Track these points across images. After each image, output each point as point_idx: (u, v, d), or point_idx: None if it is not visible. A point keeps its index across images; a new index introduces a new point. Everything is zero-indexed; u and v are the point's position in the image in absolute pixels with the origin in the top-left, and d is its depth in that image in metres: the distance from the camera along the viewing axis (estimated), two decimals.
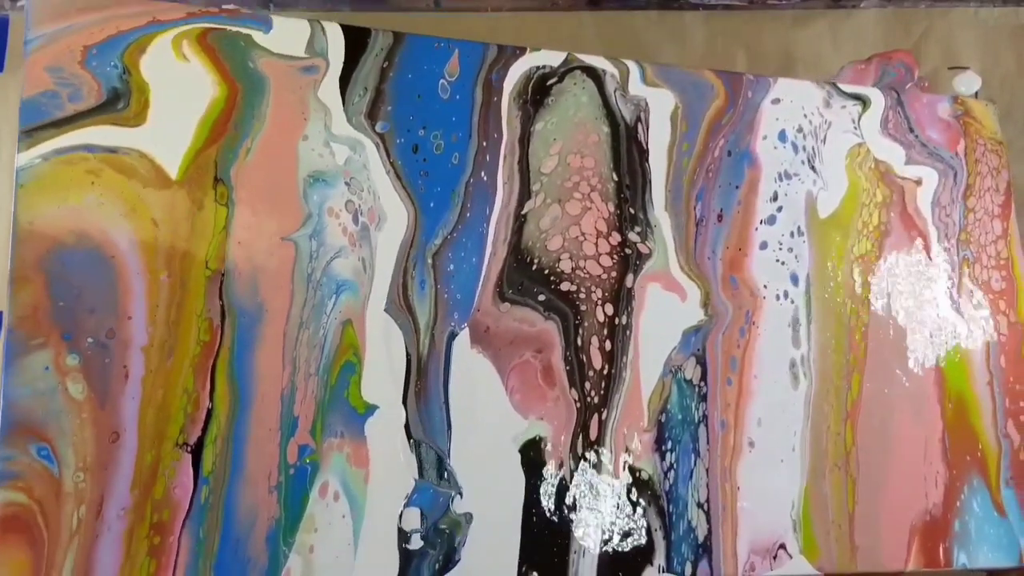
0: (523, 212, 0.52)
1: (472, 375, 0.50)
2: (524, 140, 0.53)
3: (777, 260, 0.56)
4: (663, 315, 0.53)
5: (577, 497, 0.49)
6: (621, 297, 0.53)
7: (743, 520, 0.52)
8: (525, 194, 0.53)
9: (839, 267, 0.57)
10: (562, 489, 0.49)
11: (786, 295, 0.56)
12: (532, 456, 0.50)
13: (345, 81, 0.51)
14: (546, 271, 0.52)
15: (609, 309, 0.52)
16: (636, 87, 0.57)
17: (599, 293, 0.52)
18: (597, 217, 0.53)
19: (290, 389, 0.47)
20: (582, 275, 0.52)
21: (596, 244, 0.53)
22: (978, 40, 0.68)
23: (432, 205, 0.51)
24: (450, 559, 0.47)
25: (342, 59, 0.52)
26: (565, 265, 0.52)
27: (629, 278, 0.53)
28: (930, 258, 0.60)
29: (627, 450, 0.51)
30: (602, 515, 0.50)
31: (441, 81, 0.53)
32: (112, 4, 0.49)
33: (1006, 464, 0.58)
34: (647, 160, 0.55)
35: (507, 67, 0.54)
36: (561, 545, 0.49)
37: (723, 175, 0.57)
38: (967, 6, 0.69)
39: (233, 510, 0.45)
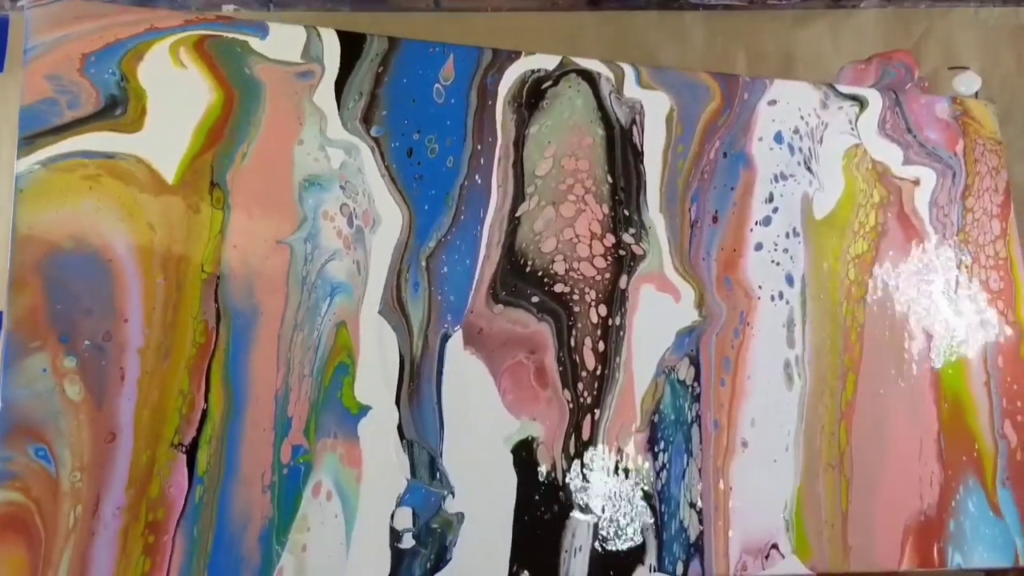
0: (517, 215, 0.52)
1: (465, 376, 0.49)
2: (518, 143, 0.53)
3: (772, 261, 0.56)
4: (657, 316, 0.53)
5: (569, 497, 0.49)
6: (615, 298, 0.52)
7: (735, 520, 0.51)
8: (519, 197, 0.52)
9: (835, 268, 0.57)
10: (554, 489, 0.49)
11: (781, 296, 0.55)
12: (524, 456, 0.49)
13: (340, 86, 0.51)
14: (540, 273, 0.51)
15: (603, 310, 0.52)
16: (631, 90, 0.56)
17: (593, 294, 0.52)
18: (591, 219, 0.53)
19: (284, 390, 0.47)
20: (576, 276, 0.52)
21: (590, 246, 0.53)
22: (978, 40, 0.67)
23: (426, 208, 0.51)
24: (441, 558, 0.47)
25: (338, 64, 0.52)
26: (559, 267, 0.52)
27: (623, 279, 0.53)
28: (927, 259, 0.59)
29: (619, 450, 0.50)
30: (593, 515, 0.49)
31: (436, 85, 0.53)
32: (110, 12, 0.49)
33: (1003, 464, 0.57)
34: (642, 162, 0.55)
35: (502, 71, 0.54)
36: (552, 545, 0.49)
37: (718, 176, 0.56)
38: (967, 6, 0.68)
39: (227, 509, 0.45)
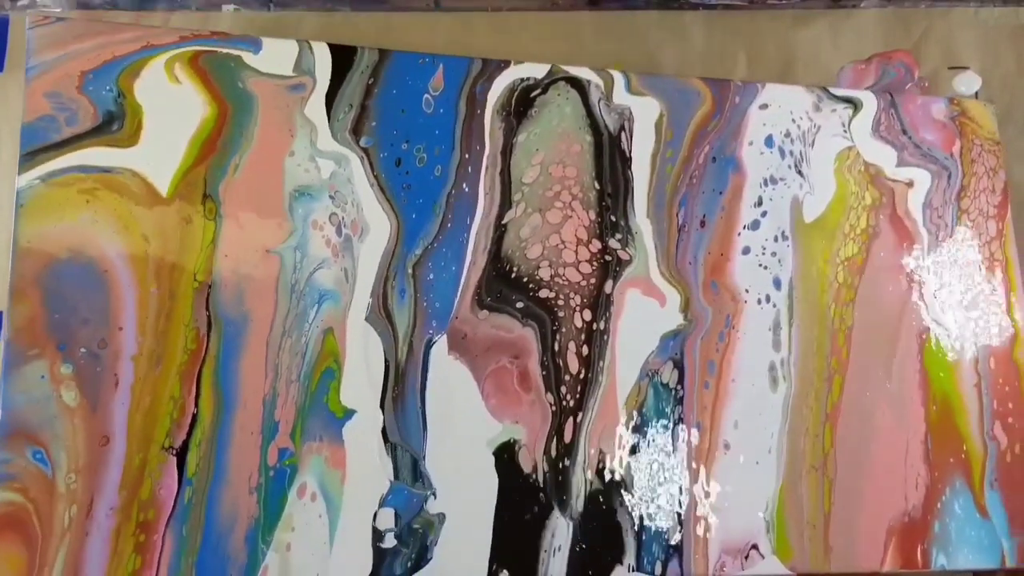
0: (503, 222, 0.52)
1: (449, 381, 0.50)
2: (506, 151, 0.53)
3: (760, 264, 0.55)
4: (641, 320, 0.53)
5: (549, 498, 0.49)
6: (600, 303, 0.52)
7: (715, 520, 0.51)
8: (506, 204, 0.52)
9: (824, 271, 0.56)
10: (534, 490, 0.49)
11: (768, 299, 0.55)
12: (506, 458, 0.50)
13: (331, 98, 0.52)
14: (525, 279, 0.52)
15: (587, 315, 0.52)
16: (621, 96, 0.56)
17: (578, 299, 0.52)
18: (578, 225, 0.53)
19: (272, 395, 0.47)
20: (561, 282, 0.52)
21: (576, 251, 0.53)
22: (978, 40, 0.66)
23: (414, 216, 0.51)
24: (422, 557, 0.48)
25: (329, 77, 0.52)
26: (544, 273, 0.52)
27: (608, 284, 0.53)
28: (920, 260, 0.58)
29: (601, 452, 0.50)
30: (573, 515, 0.49)
31: (425, 96, 0.53)
32: (108, 31, 0.50)
33: (991, 466, 0.56)
34: (630, 168, 0.55)
35: (491, 80, 0.54)
36: (532, 545, 0.49)
37: (707, 181, 0.56)
38: (967, 6, 0.66)
39: (215, 510, 0.46)
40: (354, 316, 0.50)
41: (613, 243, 0.54)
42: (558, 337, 0.52)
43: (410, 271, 0.50)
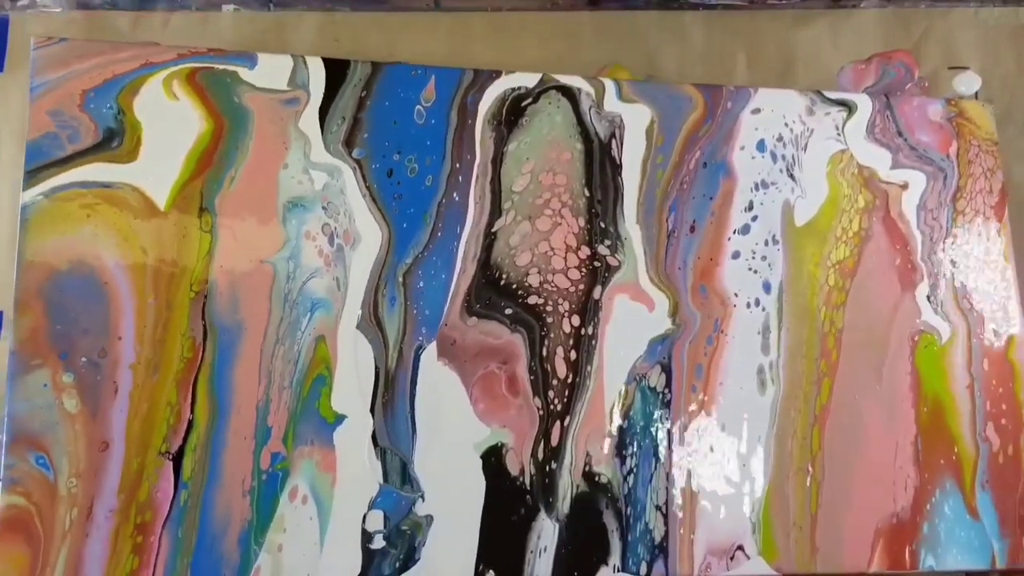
0: (493, 230, 0.52)
1: (438, 386, 0.50)
2: (497, 160, 0.53)
3: (749, 269, 0.54)
4: (630, 325, 0.53)
5: (535, 500, 0.49)
6: (588, 308, 0.52)
7: (701, 522, 0.51)
8: (496, 212, 0.52)
9: (814, 274, 0.55)
10: (521, 492, 0.49)
11: (757, 303, 0.54)
12: (493, 462, 0.50)
13: (325, 111, 0.52)
14: (514, 285, 0.51)
15: (576, 320, 0.52)
16: (612, 104, 0.55)
17: (566, 305, 0.52)
18: (567, 232, 0.53)
19: (265, 401, 0.48)
20: (550, 288, 0.52)
21: (565, 258, 0.52)
22: (978, 40, 0.64)
23: (405, 226, 0.51)
24: (410, 558, 0.48)
25: (322, 90, 0.52)
26: (533, 279, 0.52)
27: (597, 290, 0.52)
28: (912, 262, 0.56)
29: (587, 455, 0.50)
30: (559, 517, 0.49)
31: (417, 107, 0.53)
32: (109, 50, 0.50)
33: (983, 467, 0.55)
34: (620, 175, 0.54)
35: (483, 90, 0.54)
36: (518, 545, 0.49)
37: (697, 186, 0.55)
38: (967, 6, 0.64)
39: (209, 512, 0.46)
40: (345, 324, 0.50)
41: (602, 249, 0.53)
42: (546, 342, 0.52)
43: (400, 279, 0.51)
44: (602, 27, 0.64)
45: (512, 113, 0.54)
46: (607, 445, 0.51)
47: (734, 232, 0.55)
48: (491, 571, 0.49)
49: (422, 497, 0.49)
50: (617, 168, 0.55)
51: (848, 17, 0.66)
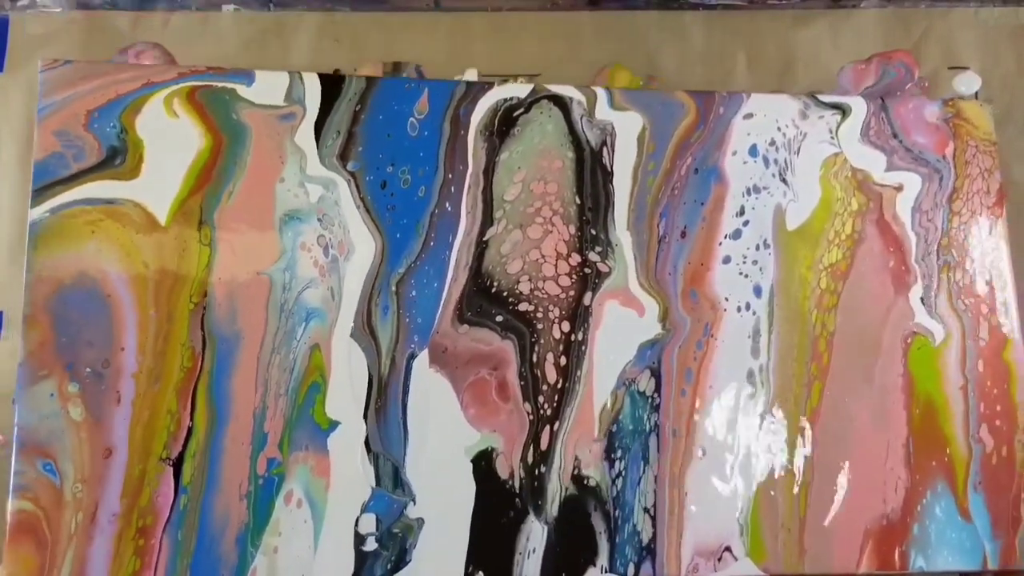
0: (485, 238, 0.51)
1: (429, 393, 0.50)
2: (488, 170, 0.52)
3: (740, 273, 0.53)
4: (620, 330, 0.52)
5: (524, 503, 0.48)
6: (578, 314, 0.51)
7: (689, 523, 0.50)
8: (488, 221, 0.51)
9: (806, 277, 0.53)
10: (510, 496, 0.49)
11: (748, 307, 0.52)
12: (483, 466, 0.49)
13: (320, 125, 0.52)
14: (505, 293, 0.51)
15: (566, 326, 0.51)
16: (603, 112, 0.54)
17: (556, 311, 0.51)
18: (558, 240, 0.52)
19: (261, 408, 0.48)
20: (540, 295, 0.51)
21: (555, 265, 0.51)
22: (978, 40, 0.61)
23: (398, 236, 0.51)
24: (402, 560, 0.48)
25: (318, 105, 0.51)
26: (524, 287, 0.51)
27: (587, 296, 0.51)
28: (905, 264, 0.54)
29: (576, 459, 0.50)
30: (548, 519, 0.48)
31: (411, 119, 0.52)
32: (112, 71, 0.50)
33: (976, 469, 0.53)
34: (611, 182, 0.53)
35: (475, 102, 0.53)
36: (507, 547, 0.48)
37: (688, 192, 0.53)
38: (967, 6, 0.61)
39: (208, 516, 0.47)
40: (339, 333, 0.49)
41: (593, 256, 0.52)
42: (536, 348, 0.51)
43: (393, 288, 0.50)
44: (602, 27, 0.62)
45: (504, 123, 0.53)
46: (596, 449, 0.50)
47: (725, 237, 0.54)
48: (480, 572, 0.48)
49: (413, 500, 0.48)
50: (608, 175, 0.53)
51: (848, 17, 0.64)
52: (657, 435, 0.51)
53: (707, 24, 0.64)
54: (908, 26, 0.63)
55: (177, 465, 0.47)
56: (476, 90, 0.54)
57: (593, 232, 0.53)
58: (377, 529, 0.48)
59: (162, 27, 0.57)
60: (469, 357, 0.51)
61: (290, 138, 0.51)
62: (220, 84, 0.52)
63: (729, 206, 0.55)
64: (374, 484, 0.49)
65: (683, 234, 0.54)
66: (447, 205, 0.52)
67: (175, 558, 0.47)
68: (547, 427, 0.51)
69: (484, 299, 0.51)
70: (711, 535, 0.51)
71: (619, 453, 0.51)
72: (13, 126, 0.55)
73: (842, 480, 0.53)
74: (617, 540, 0.50)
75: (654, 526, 0.51)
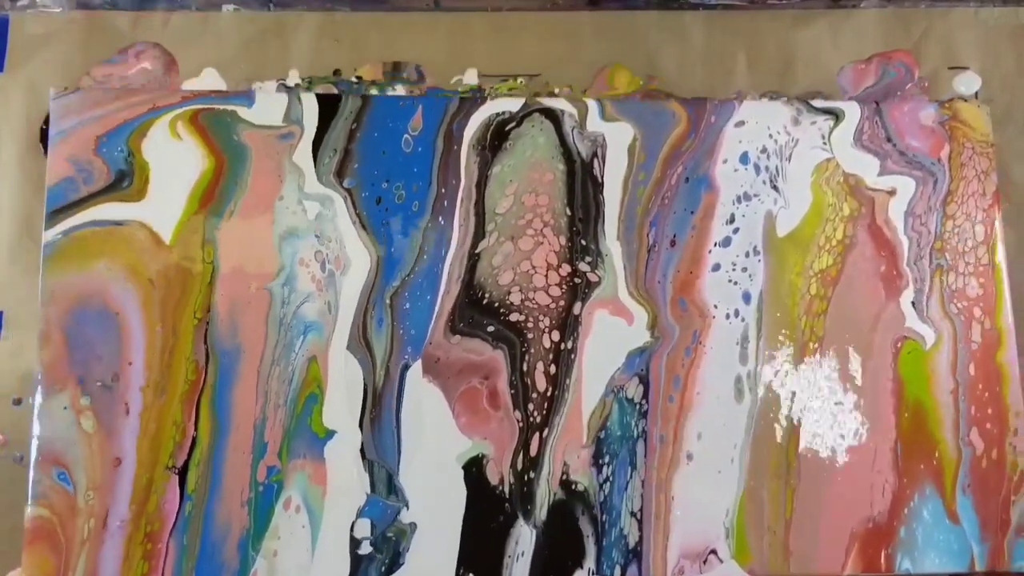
0: (477, 251, 0.49)
1: (422, 402, 0.49)
2: (481, 184, 0.50)
3: (730, 280, 0.51)
4: (609, 338, 0.50)
5: (514, 507, 0.47)
6: (568, 324, 0.49)
7: (675, 527, 0.48)
8: (480, 234, 0.50)
9: (796, 283, 0.51)
10: (500, 501, 0.48)
11: (737, 314, 0.50)
12: (474, 472, 0.48)
13: (317, 144, 0.50)
14: (496, 304, 0.49)
15: (555, 336, 0.49)
16: (595, 124, 0.51)
17: (547, 321, 0.49)
18: (548, 251, 0.50)
19: (262, 418, 0.47)
20: (531, 306, 0.49)
21: (546, 276, 0.50)
22: (978, 40, 0.57)
23: (392, 250, 0.49)
24: (395, 562, 0.47)
25: (316, 124, 0.50)
26: (515, 297, 0.49)
27: (577, 306, 0.50)
28: (897, 269, 0.51)
29: (565, 465, 0.48)
30: (537, 523, 0.47)
31: (405, 136, 0.50)
32: (120, 97, 0.50)
33: (965, 471, 0.50)
34: (601, 193, 0.51)
35: (468, 116, 0.51)
36: (497, 550, 0.47)
37: (678, 201, 0.51)
38: (967, 6, 0.57)
39: (211, 521, 0.46)
40: (336, 345, 0.49)
41: (583, 266, 0.50)
42: (527, 358, 0.49)
43: (388, 301, 0.49)
44: (602, 27, 0.60)
45: (496, 137, 0.51)
46: (584, 455, 0.48)
47: (715, 245, 0.51)
48: (471, 575, 0.47)
49: (406, 506, 0.47)
50: (599, 186, 0.51)
51: (848, 17, 0.60)
52: (644, 441, 0.50)
53: (707, 24, 0.61)
54: (908, 26, 0.59)
55: (182, 473, 0.47)
56: (469, 105, 0.52)
57: (583, 243, 0.51)
58: (372, 533, 0.47)
59: (162, 27, 0.56)
60: (461, 367, 0.49)
61: (289, 157, 0.50)
62: (221, 107, 0.50)
63: (719, 214, 0.52)
64: (369, 490, 0.48)
65: (673, 243, 0.52)
66: (440, 219, 0.50)
67: (181, 561, 0.46)
68: (536, 434, 0.49)
69: (476, 310, 0.50)
70: (697, 538, 0.49)
71: (607, 459, 0.49)
72: (13, 126, 0.54)
73: (829, 484, 0.50)
74: (604, 543, 0.49)
75: (640, 529, 0.49)
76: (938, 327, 0.53)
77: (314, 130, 0.51)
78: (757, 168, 0.53)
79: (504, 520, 0.49)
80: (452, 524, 0.49)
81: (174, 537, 0.47)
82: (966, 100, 0.58)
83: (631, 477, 0.50)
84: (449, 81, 0.56)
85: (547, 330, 0.51)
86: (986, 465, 0.52)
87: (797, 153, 0.54)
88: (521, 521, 0.49)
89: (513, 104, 0.53)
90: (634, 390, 0.51)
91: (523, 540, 0.49)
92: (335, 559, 0.48)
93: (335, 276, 0.50)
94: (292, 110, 0.51)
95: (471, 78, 0.56)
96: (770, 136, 0.54)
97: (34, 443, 0.47)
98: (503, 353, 0.50)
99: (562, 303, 0.51)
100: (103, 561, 0.46)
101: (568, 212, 0.52)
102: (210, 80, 0.53)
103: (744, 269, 0.52)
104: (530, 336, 0.50)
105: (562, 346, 0.51)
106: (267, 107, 0.51)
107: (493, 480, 0.49)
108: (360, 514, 0.48)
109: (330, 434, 0.48)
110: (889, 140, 0.55)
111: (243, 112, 0.51)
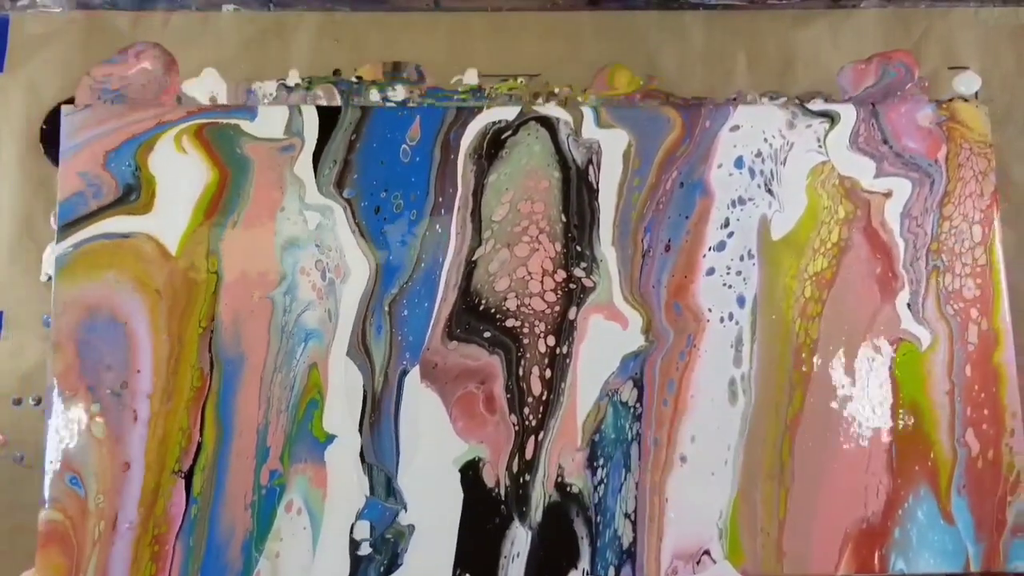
0: (473, 258, 0.48)
1: (420, 407, 0.48)
2: (477, 192, 0.49)
3: (724, 284, 0.49)
4: (604, 343, 0.49)
5: (509, 509, 0.46)
6: (563, 329, 0.48)
7: (669, 528, 0.47)
8: (476, 242, 0.48)
9: (790, 286, 0.49)
10: (496, 503, 0.46)
11: (731, 317, 0.48)
12: (471, 475, 0.47)
13: (317, 155, 0.49)
14: (492, 310, 0.48)
15: (551, 340, 0.48)
16: (590, 130, 0.50)
17: (542, 326, 0.48)
18: (544, 257, 0.48)
19: (264, 424, 0.46)
20: (526, 311, 0.48)
21: (541, 282, 0.48)
22: (978, 40, 0.55)
23: (391, 259, 0.48)
24: (394, 563, 0.47)
25: (316, 136, 0.49)
26: (511, 303, 0.48)
27: (572, 311, 0.48)
28: (893, 271, 0.49)
29: (560, 467, 0.47)
30: (532, 525, 0.46)
31: (403, 146, 0.49)
32: (127, 112, 0.49)
33: (960, 472, 0.48)
34: (596, 199, 0.49)
35: (465, 126, 0.49)
36: (493, 552, 0.46)
37: (673, 206, 0.49)
38: (967, 6, 0.55)
39: (216, 524, 0.46)
40: (336, 352, 0.48)
41: (578, 272, 0.49)
42: (522, 362, 0.48)
43: (386, 308, 0.48)
44: (602, 27, 0.58)
45: (492, 146, 0.50)
46: (579, 458, 0.47)
47: (709, 249, 0.49)
48: (467, 575, 0.45)
49: (405, 508, 0.47)
50: (594, 193, 0.49)
51: (848, 17, 0.58)
52: (639, 444, 0.48)
53: (707, 24, 0.59)
54: (908, 26, 0.57)
55: (188, 477, 0.47)
56: (466, 115, 0.50)
57: (578, 248, 0.49)
58: (371, 535, 0.47)
59: (162, 27, 0.54)
60: (458, 372, 0.48)
61: (290, 169, 0.49)
62: (225, 121, 0.49)
63: (714, 218, 0.50)
64: (368, 493, 0.47)
65: (667, 248, 0.50)
66: (437, 227, 0.49)
67: (187, 563, 0.46)
68: (532, 437, 0.48)
69: (472, 316, 0.48)
70: (690, 539, 0.48)
71: (601, 461, 0.48)
72: (13, 126, 0.53)
73: (823, 484, 0.49)
74: (598, 544, 0.47)
75: (634, 531, 0.47)
76: (934, 328, 0.51)
77: (314, 142, 0.50)
78: (752, 172, 0.51)
79: (500, 522, 0.48)
80: (449, 526, 0.48)
81: (180, 539, 0.46)
82: (966, 100, 0.55)
83: (625, 479, 0.48)
84: (449, 81, 0.54)
85: (542, 335, 0.49)
86: (982, 466, 0.50)
87: (792, 156, 0.52)
88: (517, 523, 0.48)
89: (509, 113, 0.51)
90: (628, 393, 0.49)
91: (519, 541, 0.47)
92: (335, 560, 0.47)
93: (335, 284, 0.49)
94: (293, 123, 0.50)
95: (471, 78, 0.54)
96: (765, 140, 0.52)
97: (48, 449, 0.46)
98: (499, 358, 0.49)
99: (557, 308, 0.49)
100: (113, 562, 0.46)
101: (563, 218, 0.50)
102: (210, 80, 0.52)
103: (739, 273, 0.50)
104: (526, 341, 0.49)
105: (557, 351, 0.49)
106: (269, 120, 0.50)
107: (489, 483, 0.48)
108: (360, 516, 0.47)
109: (330, 438, 0.48)
110: (885, 142, 0.53)
111: (246, 125, 0.50)
